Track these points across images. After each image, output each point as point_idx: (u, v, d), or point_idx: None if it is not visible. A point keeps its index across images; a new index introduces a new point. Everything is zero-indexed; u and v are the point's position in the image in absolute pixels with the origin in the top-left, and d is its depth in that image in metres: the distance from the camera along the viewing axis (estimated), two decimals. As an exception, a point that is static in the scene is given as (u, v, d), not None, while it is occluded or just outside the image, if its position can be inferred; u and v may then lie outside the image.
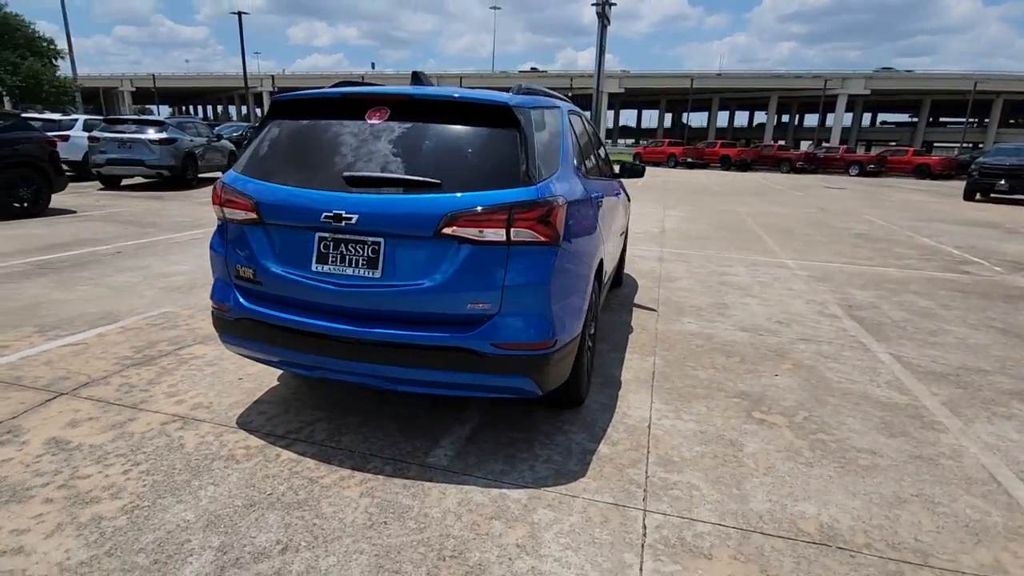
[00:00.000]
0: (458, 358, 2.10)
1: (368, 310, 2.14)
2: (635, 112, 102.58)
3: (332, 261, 2.15)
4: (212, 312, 2.48)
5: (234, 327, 2.39)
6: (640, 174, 4.53)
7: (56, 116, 14.66)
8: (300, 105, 2.39)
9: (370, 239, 2.10)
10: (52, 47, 30.29)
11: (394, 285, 2.10)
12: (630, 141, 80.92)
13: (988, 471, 2.42)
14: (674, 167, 31.90)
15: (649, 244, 7.65)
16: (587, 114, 4.17)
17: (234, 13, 32.96)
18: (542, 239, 2.09)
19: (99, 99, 70.05)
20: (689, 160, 32.50)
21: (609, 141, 68.39)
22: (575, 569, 1.77)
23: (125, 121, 12.39)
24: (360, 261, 2.12)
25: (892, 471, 2.39)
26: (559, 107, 2.80)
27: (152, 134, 11.81)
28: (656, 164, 32.72)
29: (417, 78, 2.70)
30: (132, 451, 2.34)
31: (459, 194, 2.03)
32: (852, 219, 11.08)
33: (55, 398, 2.77)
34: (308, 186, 2.16)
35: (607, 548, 1.87)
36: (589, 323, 2.83)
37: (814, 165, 29.82)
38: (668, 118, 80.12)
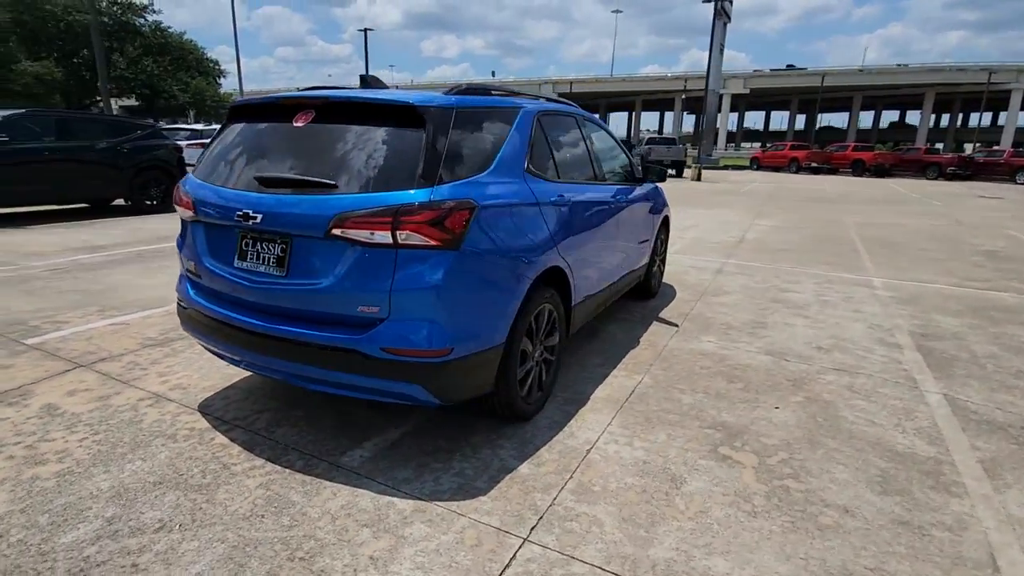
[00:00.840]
0: (350, 360, 2.09)
1: (276, 307, 2.21)
2: (763, 114, 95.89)
3: (250, 258, 2.25)
4: (176, 302, 2.70)
5: (186, 317, 2.58)
6: (660, 178, 4.22)
7: (199, 126, 16.91)
8: (249, 109, 2.52)
9: (279, 238, 2.17)
10: (217, 67, 34.96)
11: (297, 284, 2.14)
12: (755, 145, 75.62)
13: (990, 551, 1.92)
14: (795, 172, 29.31)
15: (714, 255, 7.08)
16: (594, 116, 3.94)
17: (360, 30, 35.72)
18: (433, 243, 2.01)
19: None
20: (814, 165, 29.67)
21: (731, 145, 64.44)
22: (413, 591, 1.68)
23: None
24: (271, 259, 2.19)
25: (857, 536, 1.98)
26: (511, 107, 2.67)
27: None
28: (776, 169, 30.30)
29: (365, 81, 2.74)
30: (99, 422, 2.61)
31: (349, 196, 2.02)
32: (989, 234, 9.42)
33: (73, 369, 3.19)
34: (230, 186, 2.28)
35: (460, 575, 1.75)
36: (541, 334, 2.69)
37: (970, 171, 25.80)
38: (802, 119, 73.82)
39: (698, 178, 21.43)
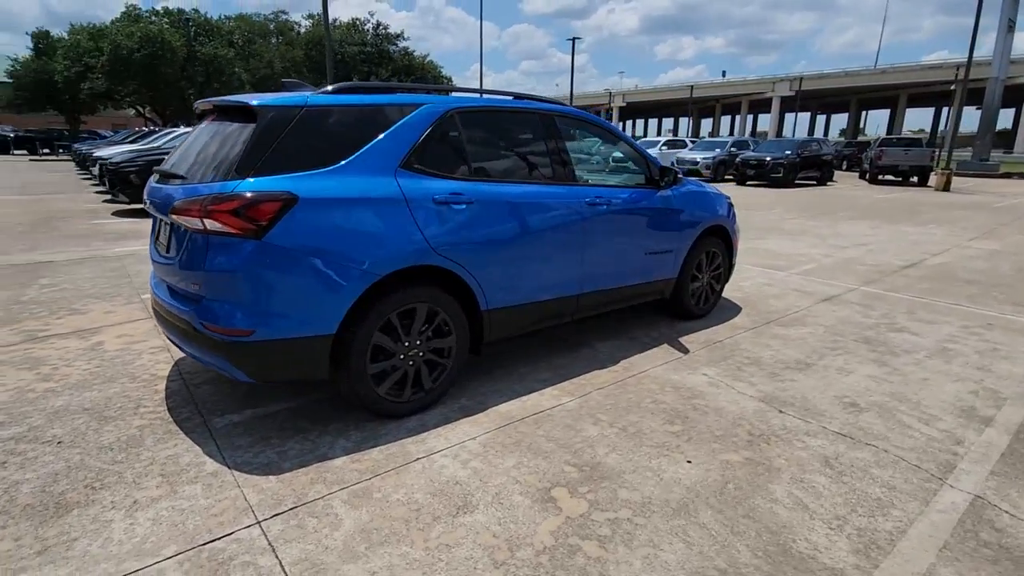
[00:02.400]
0: (187, 332, 2.37)
1: (167, 283, 2.61)
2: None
3: (160, 240, 2.69)
4: None
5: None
6: (673, 181, 3.66)
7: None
8: (199, 113, 2.98)
9: (164, 224, 2.56)
10: (451, 84, 39.69)
11: (170, 261, 2.50)
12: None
13: None
14: None
15: (850, 279, 5.73)
16: (590, 116, 3.55)
17: (570, 40, 36.81)
18: (233, 231, 2.16)
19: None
20: None
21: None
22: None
23: None
24: (165, 242, 2.60)
25: (590, 626, 1.56)
26: (399, 105, 2.64)
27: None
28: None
29: (284, 86, 2.97)
30: (108, 360, 3.38)
31: (185, 186, 2.29)
32: None
33: (140, 320, 4.13)
34: (155, 180, 2.74)
35: (173, 537, 1.89)
36: (413, 333, 2.64)
37: None
38: None
39: (945, 187, 17.14)
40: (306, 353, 2.37)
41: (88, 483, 2.17)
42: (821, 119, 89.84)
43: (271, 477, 2.23)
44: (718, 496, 2.15)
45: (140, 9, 31.82)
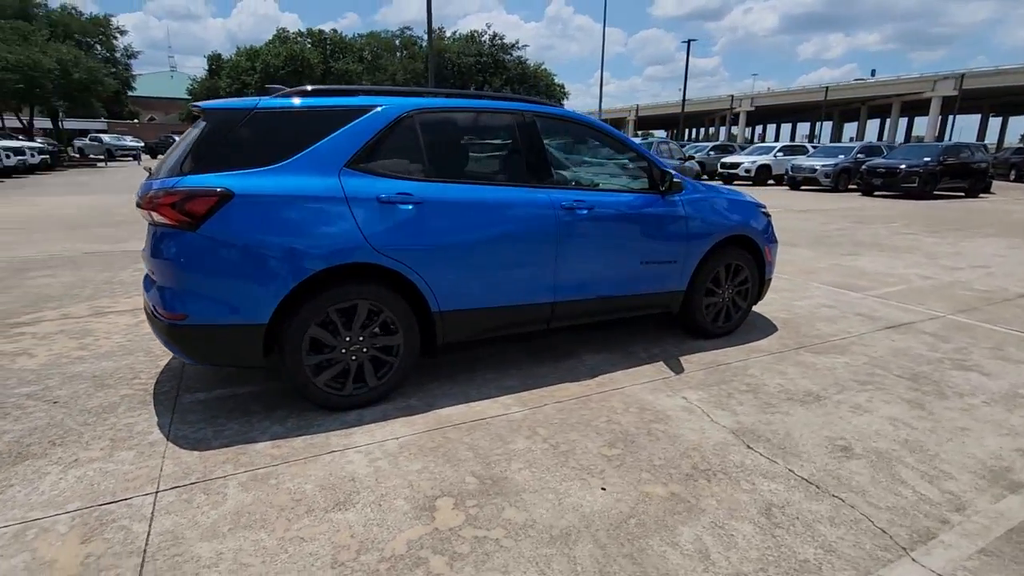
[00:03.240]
0: (149, 315, 2.62)
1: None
2: None
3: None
4: None
5: None
6: (656, 189, 3.38)
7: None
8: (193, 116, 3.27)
9: (150, 215, 2.85)
10: (561, 90, 39.90)
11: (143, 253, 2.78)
12: None
13: None
14: None
15: (941, 305, 4.88)
16: (581, 116, 3.35)
17: (683, 42, 35.19)
18: (170, 223, 2.35)
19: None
20: None
21: None
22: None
23: None
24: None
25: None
26: (356, 108, 2.70)
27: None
28: None
29: (265, 91, 3.13)
30: (143, 334, 3.83)
31: (148, 182, 2.53)
32: None
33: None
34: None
35: (81, 494, 2.11)
36: (356, 329, 2.69)
37: None
38: None
39: None
40: (238, 340, 2.51)
41: (52, 439, 2.47)
42: (995, 122, 77.36)
43: (195, 452, 2.39)
44: (612, 530, 1.94)
45: (288, 31, 35.87)
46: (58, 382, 3.07)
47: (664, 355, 3.60)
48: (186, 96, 43.82)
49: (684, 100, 34.47)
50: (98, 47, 40.02)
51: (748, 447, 2.51)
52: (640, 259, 3.44)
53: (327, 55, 34.41)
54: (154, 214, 2.40)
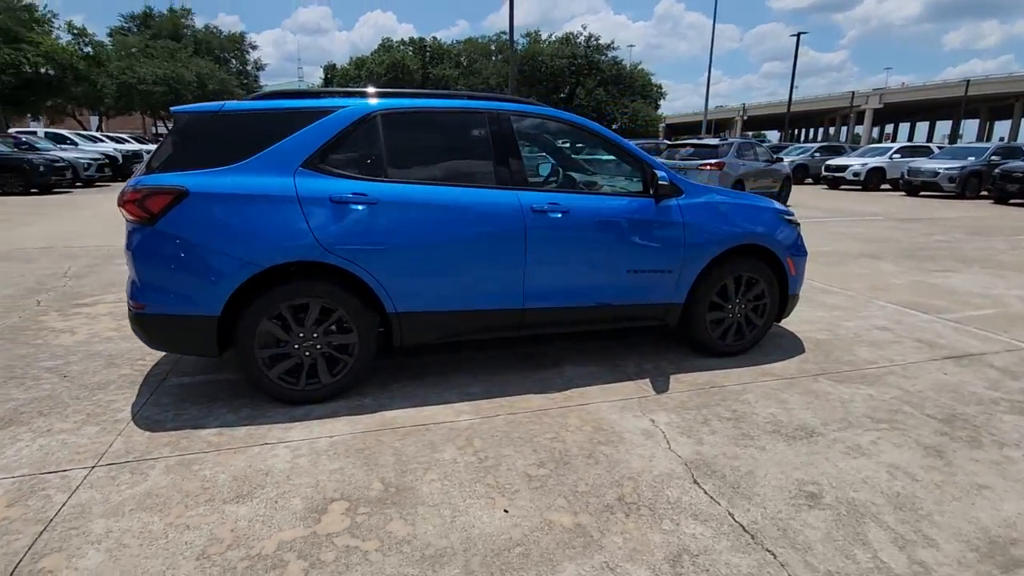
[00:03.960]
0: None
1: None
2: None
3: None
4: None
5: None
6: (657, 193, 3.10)
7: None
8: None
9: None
10: (659, 91, 38.63)
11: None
12: None
13: None
14: None
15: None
16: (565, 115, 3.14)
17: (793, 35, 32.41)
18: (132, 218, 2.53)
19: (715, 128, 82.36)
20: None
21: None
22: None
23: (683, 146, 13.45)
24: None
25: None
26: (316, 109, 2.74)
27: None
28: None
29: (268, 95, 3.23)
30: (168, 321, 4.18)
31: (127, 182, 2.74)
32: None
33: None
34: None
35: (40, 459, 2.32)
36: (309, 326, 2.75)
37: None
38: None
39: None
40: (192, 330, 2.64)
41: (42, 410, 2.76)
42: None
43: (147, 433, 2.55)
44: (489, 557, 1.81)
45: (391, 40, 37.96)
46: (79, 358, 3.43)
47: (655, 372, 3.32)
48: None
49: (791, 98, 31.82)
50: (233, 61, 44.82)
51: (694, 482, 2.23)
52: (627, 267, 3.19)
53: (426, 61, 35.96)
54: (123, 210, 2.59)
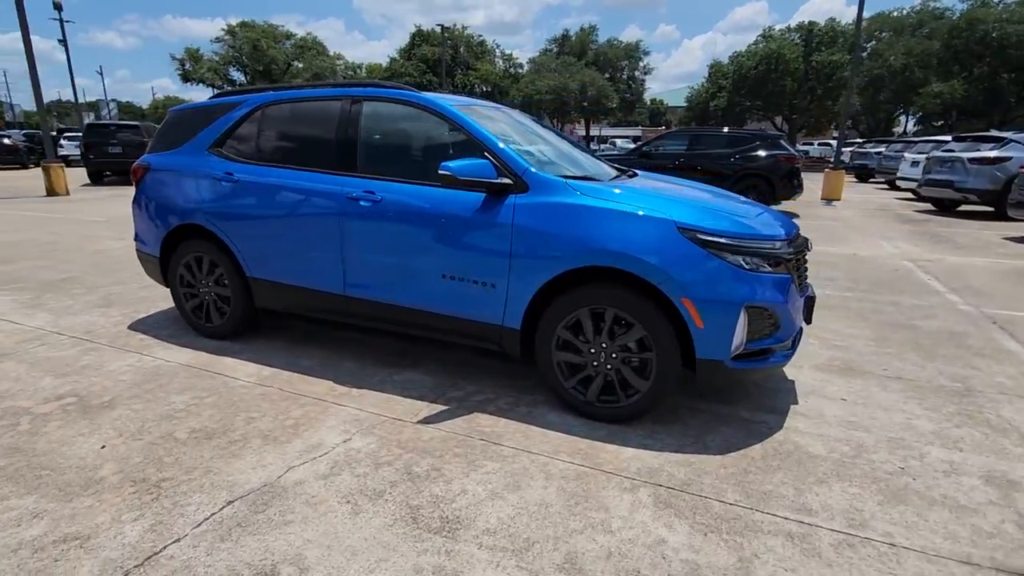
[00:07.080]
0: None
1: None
2: None
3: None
4: None
5: None
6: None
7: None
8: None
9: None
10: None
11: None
12: None
13: None
14: None
15: None
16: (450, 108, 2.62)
17: None
18: (133, 180, 3.69)
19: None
20: None
21: None
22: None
23: (967, 139, 10.85)
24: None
25: None
26: (232, 104, 3.33)
27: (980, 151, 9.93)
28: None
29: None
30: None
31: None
32: None
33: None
34: None
35: (65, 328, 3.77)
36: (202, 274, 3.48)
37: None
38: None
39: None
40: (152, 265, 3.70)
41: (110, 300, 4.31)
42: None
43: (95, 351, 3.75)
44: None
45: (773, 29, 34.16)
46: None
47: (474, 406, 2.73)
48: (683, 104, 48.28)
49: None
50: (625, 68, 48.84)
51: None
52: (440, 271, 2.72)
53: (811, 48, 30.83)
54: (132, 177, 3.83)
